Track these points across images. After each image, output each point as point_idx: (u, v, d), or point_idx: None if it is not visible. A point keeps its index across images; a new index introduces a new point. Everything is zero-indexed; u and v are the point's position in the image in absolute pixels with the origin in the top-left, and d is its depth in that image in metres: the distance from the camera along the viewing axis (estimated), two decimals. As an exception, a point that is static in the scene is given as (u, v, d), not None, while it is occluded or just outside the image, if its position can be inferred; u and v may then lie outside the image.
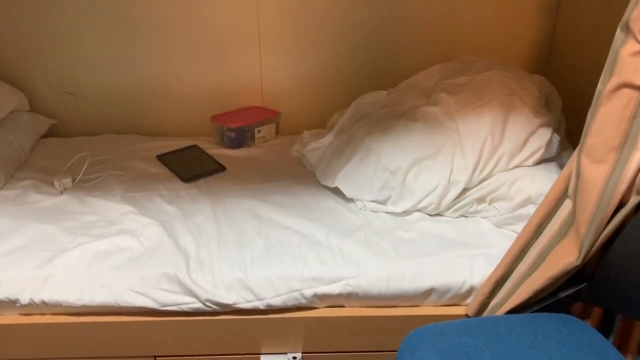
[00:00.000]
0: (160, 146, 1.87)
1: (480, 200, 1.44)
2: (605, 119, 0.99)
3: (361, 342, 1.31)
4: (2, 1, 1.78)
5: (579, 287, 1.12)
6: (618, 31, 0.96)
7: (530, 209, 1.34)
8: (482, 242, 1.36)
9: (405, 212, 1.47)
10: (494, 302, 1.22)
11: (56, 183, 1.58)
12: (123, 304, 1.24)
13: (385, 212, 1.48)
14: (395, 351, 1.13)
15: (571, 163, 1.09)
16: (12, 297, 1.24)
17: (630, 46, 0.94)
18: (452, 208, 1.45)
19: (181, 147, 1.86)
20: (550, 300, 1.14)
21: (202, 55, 1.89)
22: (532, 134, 1.44)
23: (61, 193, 1.57)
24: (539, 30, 1.91)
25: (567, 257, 1.07)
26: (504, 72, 1.56)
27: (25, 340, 1.28)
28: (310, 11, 1.84)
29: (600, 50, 1.61)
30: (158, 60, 1.89)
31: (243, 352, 1.33)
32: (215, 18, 1.84)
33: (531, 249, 1.16)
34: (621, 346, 1.22)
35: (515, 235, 1.35)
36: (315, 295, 1.26)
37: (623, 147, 0.98)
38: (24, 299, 1.24)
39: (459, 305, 1.29)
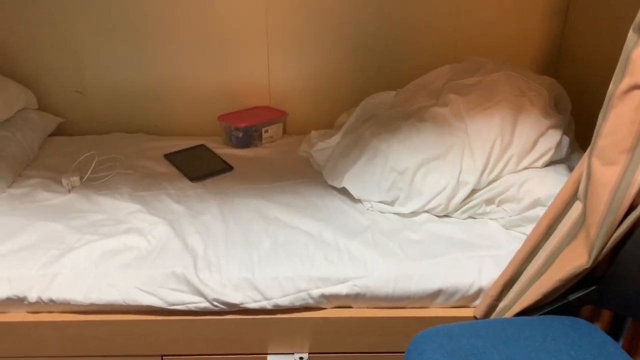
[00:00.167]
0: (168, 145, 1.87)
1: (489, 201, 1.43)
2: (617, 120, 0.98)
3: (368, 343, 1.31)
4: (13, 0, 1.79)
5: (588, 290, 1.11)
6: (630, 32, 0.95)
7: (540, 211, 1.33)
8: (491, 244, 1.35)
9: (413, 213, 1.46)
10: (502, 304, 1.21)
11: (64, 181, 1.59)
12: (131, 303, 1.25)
13: (393, 213, 1.47)
14: (403, 352, 1.12)
15: (581, 165, 1.08)
16: (20, 295, 1.24)
17: (643, 48, 0.93)
18: (460, 209, 1.44)
19: (189, 146, 1.86)
20: (559, 302, 1.13)
21: (210, 55, 1.89)
22: (541, 135, 1.44)
23: (69, 191, 1.58)
24: (548, 31, 1.90)
25: (577, 259, 1.07)
26: (513, 73, 1.56)
27: (33, 338, 1.28)
28: (318, 11, 1.84)
29: (609, 52, 1.60)
30: (166, 60, 1.90)
31: (250, 352, 1.33)
32: (223, 18, 1.84)
33: (540, 251, 1.15)
34: (631, 350, 1.21)
35: (524, 237, 1.34)
36: (323, 296, 1.26)
37: (635, 149, 0.97)
38: (32, 296, 1.24)
39: (467, 307, 1.29)
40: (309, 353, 1.33)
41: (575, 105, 1.70)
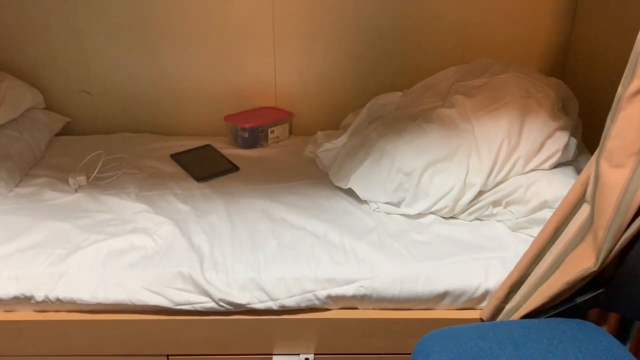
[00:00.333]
0: (174, 145, 1.88)
1: (496, 203, 1.43)
2: (626, 122, 0.98)
3: (374, 344, 1.31)
4: (20, 0, 1.80)
5: (596, 293, 1.11)
6: (640, 34, 0.95)
7: (547, 213, 1.33)
8: (497, 246, 1.35)
9: (420, 215, 1.46)
10: (509, 306, 1.21)
11: (71, 181, 1.59)
12: (137, 303, 1.25)
13: (399, 214, 1.47)
14: (409, 354, 1.12)
15: (589, 167, 1.07)
16: (28, 294, 1.25)
17: (653, 50, 0.93)
18: (467, 211, 1.44)
19: (195, 146, 1.87)
20: (566, 305, 1.13)
21: (216, 56, 1.90)
22: (549, 137, 1.43)
23: (76, 191, 1.58)
24: (556, 32, 1.89)
25: (585, 262, 1.06)
26: (520, 75, 1.55)
27: (40, 336, 1.28)
28: (324, 12, 1.84)
29: (617, 54, 1.59)
30: (173, 60, 1.90)
31: (255, 353, 1.33)
32: (230, 19, 1.84)
33: (547, 254, 1.15)
34: (638, 353, 1.20)
35: (531, 239, 1.34)
36: (329, 297, 1.26)
37: (643, 152, 0.97)
38: (39, 295, 1.25)
39: (474, 309, 1.28)
40: (315, 354, 1.33)
41: (583, 107, 1.69)
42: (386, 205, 1.48)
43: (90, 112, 1.98)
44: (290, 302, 1.26)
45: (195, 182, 1.64)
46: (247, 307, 1.25)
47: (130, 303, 1.25)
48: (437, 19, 1.85)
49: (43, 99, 1.92)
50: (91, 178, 1.64)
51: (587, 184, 1.08)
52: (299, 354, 1.33)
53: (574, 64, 1.87)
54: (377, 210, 1.49)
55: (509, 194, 1.40)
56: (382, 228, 1.41)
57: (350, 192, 1.55)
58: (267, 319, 1.27)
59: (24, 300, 1.26)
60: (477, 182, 1.41)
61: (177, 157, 1.79)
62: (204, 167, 1.73)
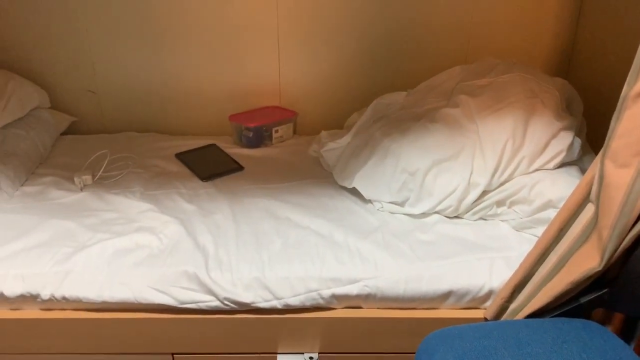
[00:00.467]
0: (179, 145, 1.88)
1: (500, 203, 1.43)
2: (631, 122, 0.98)
3: (379, 343, 1.31)
4: (26, 1, 1.81)
5: (600, 293, 1.11)
6: (645, 34, 0.95)
7: (551, 213, 1.33)
8: (502, 245, 1.35)
9: (424, 214, 1.46)
10: (513, 305, 1.21)
11: (76, 180, 1.60)
12: (142, 301, 1.25)
13: (404, 214, 1.47)
14: (413, 353, 1.12)
15: (594, 167, 1.07)
16: (33, 292, 1.25)
17: (658, 49, 0.93)
18: (471, 210, 1.44)
19: (200, 146, 1.87)
20: (571, 305, 1.13)
21: (221, 55, 1.90)
22: (553, 137, 1.43)
23: (81, 190, 1.59)
24: (561, 32, 1.89)
25: (589, 261, 1.06)
26: (525, 75, 1.55)
27: (46, 334, 1.29)
28: (329, 12, 1.84)
29: (621, 54, 1.59)
30: (178, 60, 1.90)
31: (260, 352, 1.33)
32: (234, 18, 1.84)
33: (552, 253, 1.15)
34: (642, 353, 1.20)
35: (535, 239, 1.34)
36: (333, 296, 1.26)
37: (649, 152, 0.97)
38: (45, 294, 1.25)
39: (478, 308, 1.29)
40: (319, 353, 1.34)
41: (587, 107, 1.69)
42: (390, 204, 1.48)
43: (95, 112, 1.99)
44: (294, 301, 1.26)
45: (200, 182, 1.65)
46: (251, 306, 1.26)
47: (136, 302, 1.26)
48: (442, 19, 1.85)
49: (49, 99, 1.93)
50: (97, 177, 1.65)
51: (591, 184, 1.08)
52: (303, 353, 1.34)
53: (579, 65, 1.87)
54: (381, 209, 1.49)
55: (514, 194, 1.40)
56: (387, 227, 1.42)
57: (354, 192, 1.55)
58: (272, 318, 1.28)
59: (30, 299, 1.26)
60: (481, 182, 1.41)
61: (182, 157, 1.80)
62: (209, 166, 1.73)
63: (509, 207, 1.43)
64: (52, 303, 1.27)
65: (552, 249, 1.15)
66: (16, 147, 1.66)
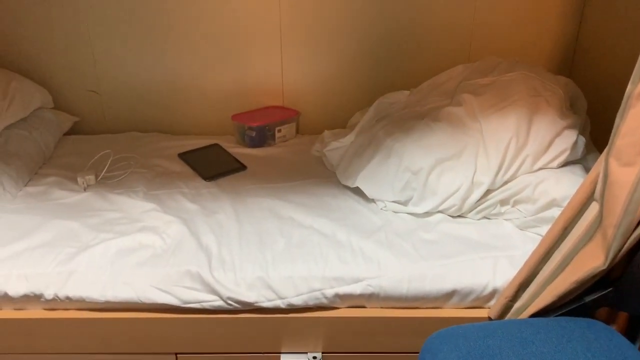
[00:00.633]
0: (182, 144, 1.88)
1: (504, 202, 1.43)
2: (635, 120, 0.98)
3: (382, 343, 1.31)
4: (29, 1, 1.81)
5: (605, 292, 1.10)
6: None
7: (555, 212, 1.32)
8: (505, 244, 1.34)
9: (427, 213, 1.46)
10: (517, 305, 1.20)
11: (79, 180, 1.60)
12: (146, 301, 1.25)
13: (407, 213, 1.47)
14: (417, 353, 1.12)
15: (598, 165, 1.07)
16: (37, 292, 1.25)
17: (662, 47, 0.92)
18: (474, 210, 1.44)
19: (203, 145, 1.87)
20: (575, 304, 1.12)
21: (224, 55, 1.90)
22: (557, 135, 1.43)
23: (84, 190, 1.59)
24: (564, 31, 1.89)
25: (593, 260, 1.06)
26: (528, 73, 1.55)
27: (49, 334, 1.29)
28: (331, 12, 1.84)
29: (625, 52, 1.59)
30: (180, 60, 1.91)
31: (263, 351, 1.33)
32: (237, 18, 1.84)
33: (556, 252, 1.14)
34: (647, 352, 1.20)
35: (539, 238, 1.34)
36: (337, 295, 1.26)
37: (653, 150, 0.96)
38: (48, 294, 1.25)
39: (482, 307, 1.28)
40: (322, 352, 1.33)
41: (591, 106, 1.68)
42: (394, 204, 1.48)
43: (98, 112, 1.99)
44: (297, 300, 1.26)
45: (203, 181, 1.65)
46: (254, 306, 1.26)
47: (139, 301, 1.26)
48: (444, 18, 1.85)
49: (52, 99, 1.93)
50: (100, 177, 1.65)
51: (596, 183, 1.07)
52: (306, 353, 1.34)
53: (582, 63, 1.86)
54: (384, 209, 1.49)
55: (517, 193, 1.40)
56: (390, 227, 1.41)
57: (357, 191, 1.55)
58: (275, 317, 1.28)
59: (34, 299, 1.26)
60: (485, 181, 1.40)
61: (185, 156, 1.80)
62: (212, 166, 1.73)
63: (512, 206, 1.42)
64: (56, 303, 1.27)
65: (557, 248, 1.14)
66: (19, 147, 1.67)
